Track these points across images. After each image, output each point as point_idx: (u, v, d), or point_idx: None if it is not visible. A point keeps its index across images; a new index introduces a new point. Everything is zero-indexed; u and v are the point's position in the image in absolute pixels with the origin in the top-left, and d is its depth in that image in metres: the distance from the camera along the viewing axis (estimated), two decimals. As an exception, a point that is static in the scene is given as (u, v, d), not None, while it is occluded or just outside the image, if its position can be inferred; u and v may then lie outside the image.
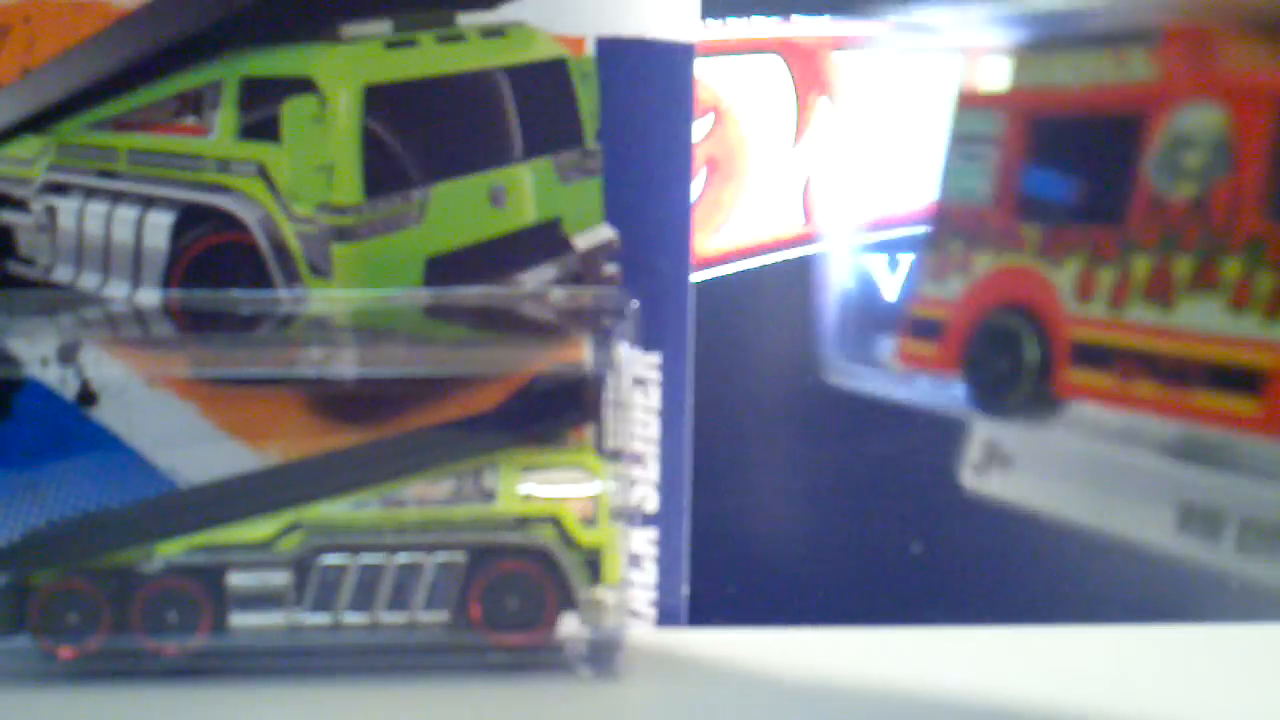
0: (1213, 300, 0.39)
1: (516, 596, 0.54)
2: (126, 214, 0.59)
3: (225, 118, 0.58)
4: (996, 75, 0.45)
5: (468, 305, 0.59)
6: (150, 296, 0.59)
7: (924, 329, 0.46)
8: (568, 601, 0.55)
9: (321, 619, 0.54)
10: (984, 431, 0.46)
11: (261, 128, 0.58)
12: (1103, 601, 0.64)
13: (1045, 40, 0.44)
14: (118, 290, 0.59)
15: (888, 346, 0.47)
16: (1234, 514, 0.40)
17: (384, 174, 0.58)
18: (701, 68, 0.61)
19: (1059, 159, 0.43)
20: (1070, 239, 0.43)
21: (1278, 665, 0.58)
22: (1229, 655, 0.58)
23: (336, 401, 0.58)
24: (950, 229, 0.46)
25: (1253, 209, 0.37)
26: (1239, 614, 0.62)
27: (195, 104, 0.58)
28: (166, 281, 0.59)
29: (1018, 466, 0.45)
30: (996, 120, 0.45)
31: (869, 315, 0.48)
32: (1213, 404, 0.38)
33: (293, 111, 0.57)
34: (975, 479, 0.45)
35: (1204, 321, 0.39)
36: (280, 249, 0.58)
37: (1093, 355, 0.42)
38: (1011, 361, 0.44)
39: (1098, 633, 0.60)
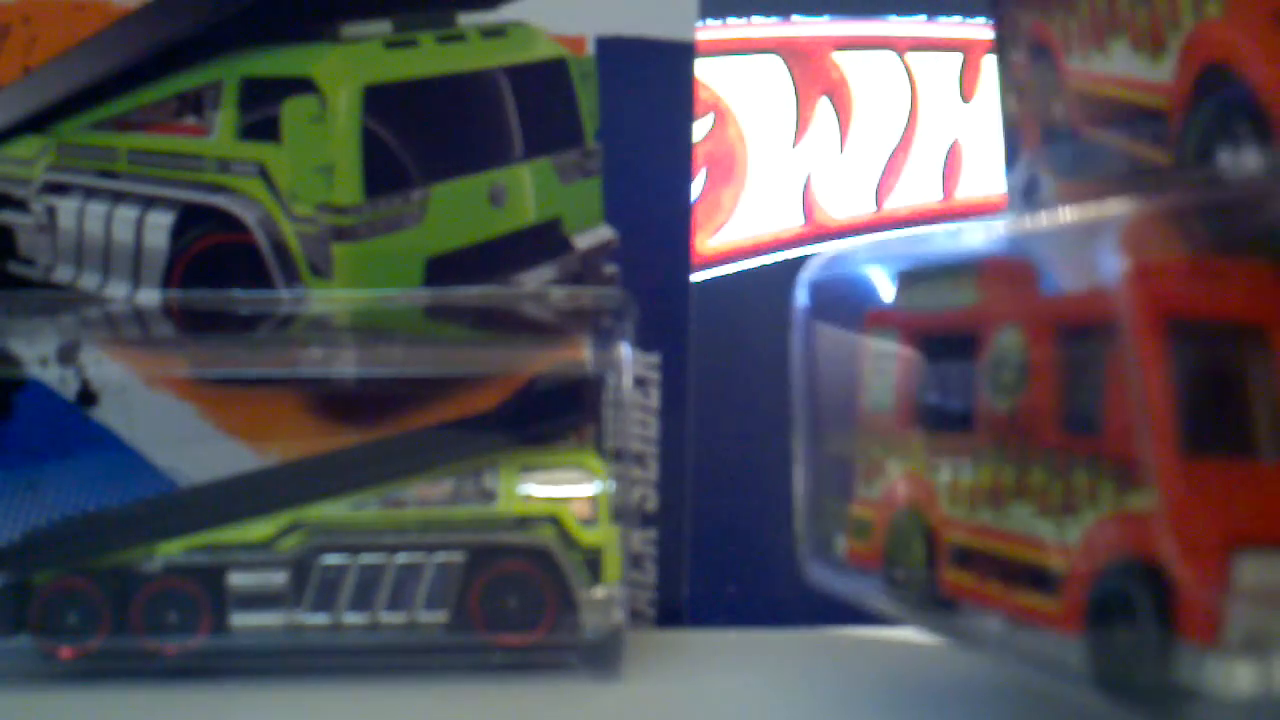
0: (1026, 506, 0.42)
1: (516, 596, 0.54)
2: (126, 214, 0.59)
3: (225, 118, 0.58)
4: (897, 299, 0.51)
5: (468, 305, 0.59)
6: (150, 296, 0.59)
7: (860, 529, 0.52)
8: (568, 601, 0.55)
9: (321, 619, 0.54)
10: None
11: (261, 128, 0.58)
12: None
13: (922, 269, 0.50)
14: (118, 290, 0.59)
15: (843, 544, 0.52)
16: None
17: (384, 174, 0.58)
18: (701, 68, 0.61)
19: (932, 373, 0.49)
20: (942, 446, 0.47)
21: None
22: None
23: (336, 401, 0.58)
24: (871, 436, 0.51)
25: (1048, 422, 0.41)
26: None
27: (195, 104, 0.58)
28: (166, 281, 0.59)
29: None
30: (894, 339, 0.51)
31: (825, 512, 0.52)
32: (1030, 603, 0.43)
33: (293, 111, 0.57)
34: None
35: (1022, 526, 0.43)
36: (280, 249, 0.58)
37: (961, 556, 0.47)
38: (906, 562, 0.48)
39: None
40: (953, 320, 0.47)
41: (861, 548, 0.52)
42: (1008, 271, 0.45)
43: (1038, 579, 0.42)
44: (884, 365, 0.51)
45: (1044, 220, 0.44)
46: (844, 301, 0.53)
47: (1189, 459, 0.35)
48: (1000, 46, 0.55)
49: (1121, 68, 0.46)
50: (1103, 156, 0.48)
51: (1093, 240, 0.37)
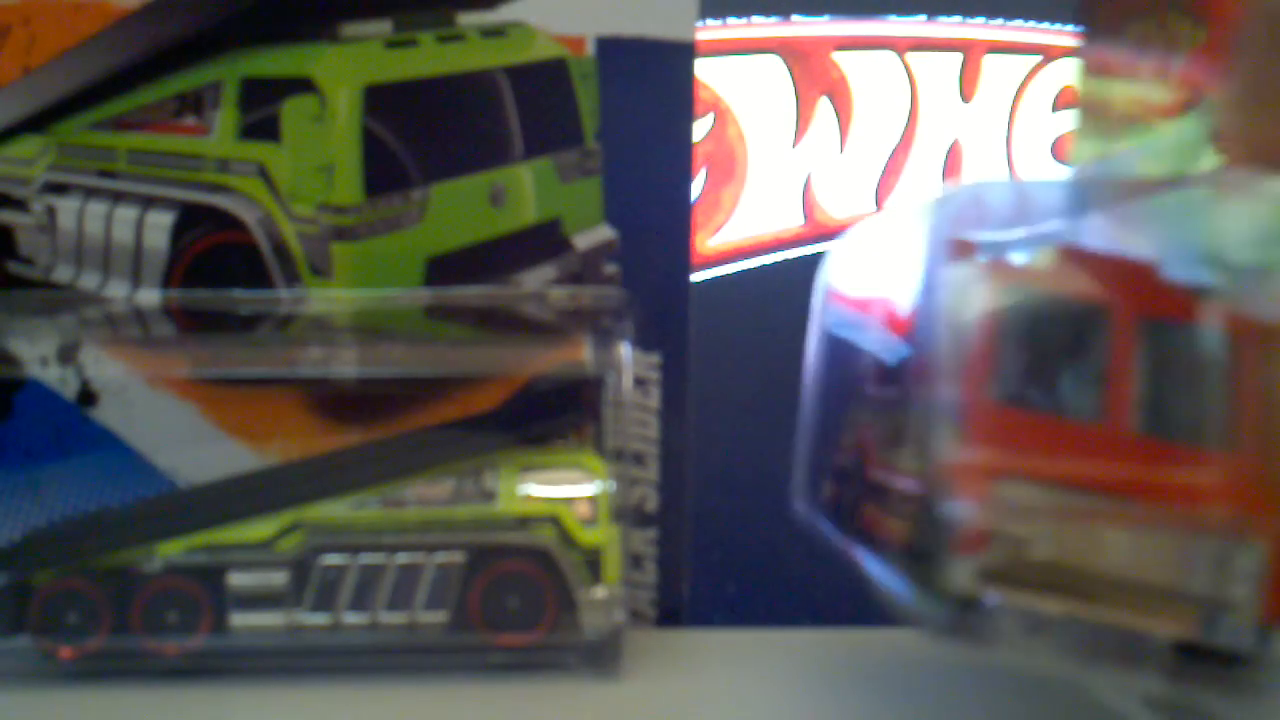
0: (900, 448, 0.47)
1: (516, 596, 0.54)
2: (126, 214, 0.59)
3: (225, 118, 0.58)
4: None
5: (468, 305, 0.59)
6: (150, 296, 0.59)
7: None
8: (568, 601, 0.55)
9: (321, 619, 0.54)
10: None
11: (261, 128, 0.58)
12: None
13: None
14: (118, 290, 0.59)
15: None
16: None
17: (384, 174, 0.58)
18: (701, 68, 0.61)
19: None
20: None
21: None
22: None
23: (336, 401, 0.58)
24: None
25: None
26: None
27: (195, 104, 0.58)
28: (166, 281, 0.59)
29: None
30: None
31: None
32: (890, 526, 0.47)
33: (293, 111, 0.57)
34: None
35: (897, 460, 0.47)
36: (280, 249, 0.58)
37: (871, 492, 0.49)
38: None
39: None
40: None
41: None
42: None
43: (894, 504, 0.46)
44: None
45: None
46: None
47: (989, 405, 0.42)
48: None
49: None
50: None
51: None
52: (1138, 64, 0.51)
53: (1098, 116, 0.54)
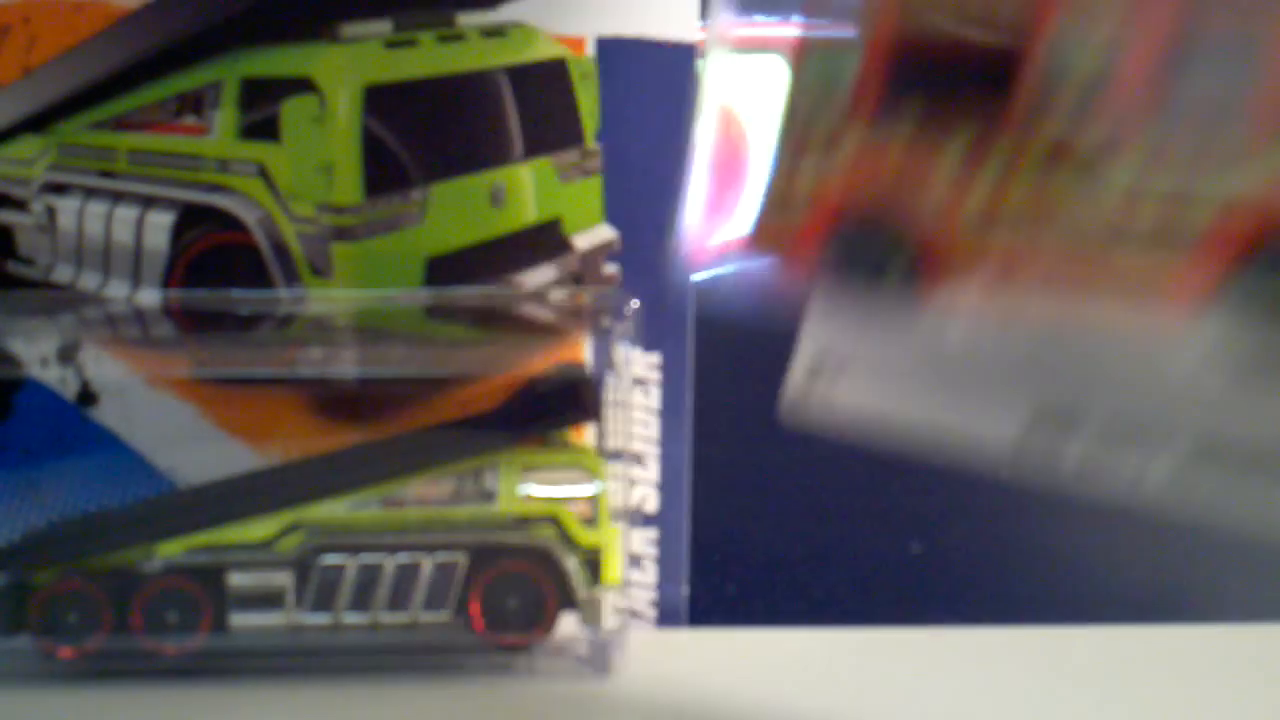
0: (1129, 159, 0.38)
1: (516, 596, 0.54)
2: (126, 214, 0.59)
3: (225, 118, 0.58)
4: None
5: (468, 305, 0.59)
6: (150, 296, 0.59)
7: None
8: (568, 601, 0.55)
9: (321, 619, 0.54)
10: (814, 340, 0.45)
11: (261, 128, 0.58)
12: (1103, 601, 0.64)
13: None
14: (118, 290, 0.59)
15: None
16: (1091, 414, 0.40)
17: (384, 174, 0.58)
18: (702, 68, 0.61)
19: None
20: (952, 113, 0.41)
21: (1277, 665, 0.58)
22: (1229, 655, 0.58)
23: (336, 401, 0.58)
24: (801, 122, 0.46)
25: None
26: (1240, 614, 0.62)
27: (195, 104, 0.58)
28: (166, 281, 0.59)
29: (851, 372, 0.44)
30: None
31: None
32: (1127, 264, 0.38)
33: (293, 111, 0.57)
34: (802, 391, 0.45)
35: (1119, 181, 0.38)
36: (280, 249, 0.58)
37: (979, 224, 0.41)
38: (877, 265, 0.43)
39: (1098, 633, 0.60)
40: None
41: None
42: None
43: (1145, 239, 0.38)
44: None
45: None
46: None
47: None
48: None
49: None
50: None
51: None
52: None
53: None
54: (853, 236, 0.42)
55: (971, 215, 0.39)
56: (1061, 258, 0.37)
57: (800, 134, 0.43)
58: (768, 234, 0.42)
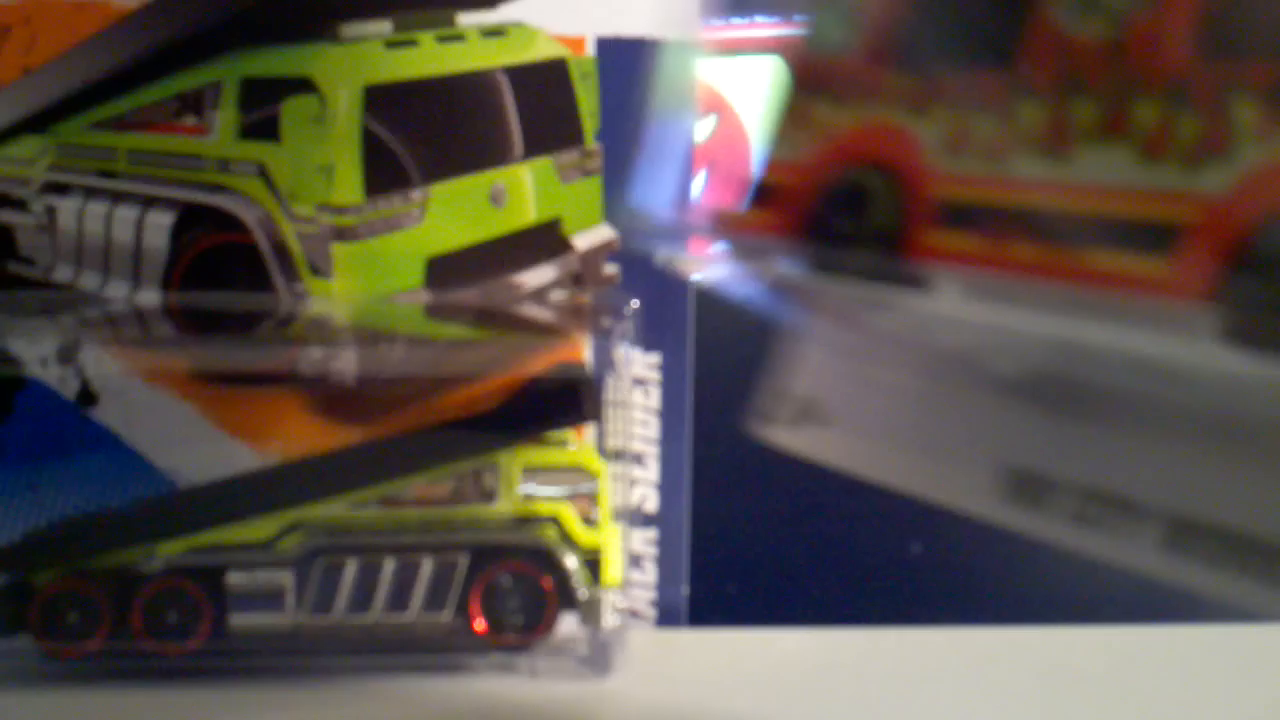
0: (1120, 149, 0.35)
1: (516, 596, 0.54)
2: (126, 214, 0.59)
3: (225, 118, 0.58)
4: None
5: (468, 305, 0.59)
6: (150, 296, 0.59)
7: (767, 195, 0.43)
8: (568, 601, 0.55)
9: (321, 619, 0.54)
10: (798, 381, 0.43)
11: (261, 128, 0.58)
12: (1101, 602, 0.63)
13: None
14: (118, 290, 0.59)
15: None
16: (1069, 480, 0.38)
17: (384, 174, 0.58)
18: (702, 68, 0.61)
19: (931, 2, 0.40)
20: (947, 88, 0.39)
21: (1278, 665, 0.58)
22: (1229, 655, 0.58)
23: (336, 401, 0.58)
24: (808, 85, 0.42)
25: (1180, 45, 0.35)
26: (1239, 614, 0.62)
27: (195, 104, 0.58)
28: (166, 281, 0.59)
29: (832, 420, 0.43)
30: None
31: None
32: (1110, 264, 0.35)
33: (293, 111, 0.57)
34: (785, 433, 0.43)
35: (1107, 173, 0.35)
36: (280, 249, 0.58)
37: (961, 215, 0.39)
38: (858, 221, 0.40)
39: (1098, 633, 0.60)
40: None
41: (767, 217, 0.43)
42: None
43: (1128, 235, 0.35)
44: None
45: None
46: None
47: None
48: None
49: None
50: None
51: None
52: None
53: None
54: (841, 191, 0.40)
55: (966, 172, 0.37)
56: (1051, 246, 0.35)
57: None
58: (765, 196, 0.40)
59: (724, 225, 0.44)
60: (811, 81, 0.42)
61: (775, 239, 0.42)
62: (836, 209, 0.41)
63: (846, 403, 0.41)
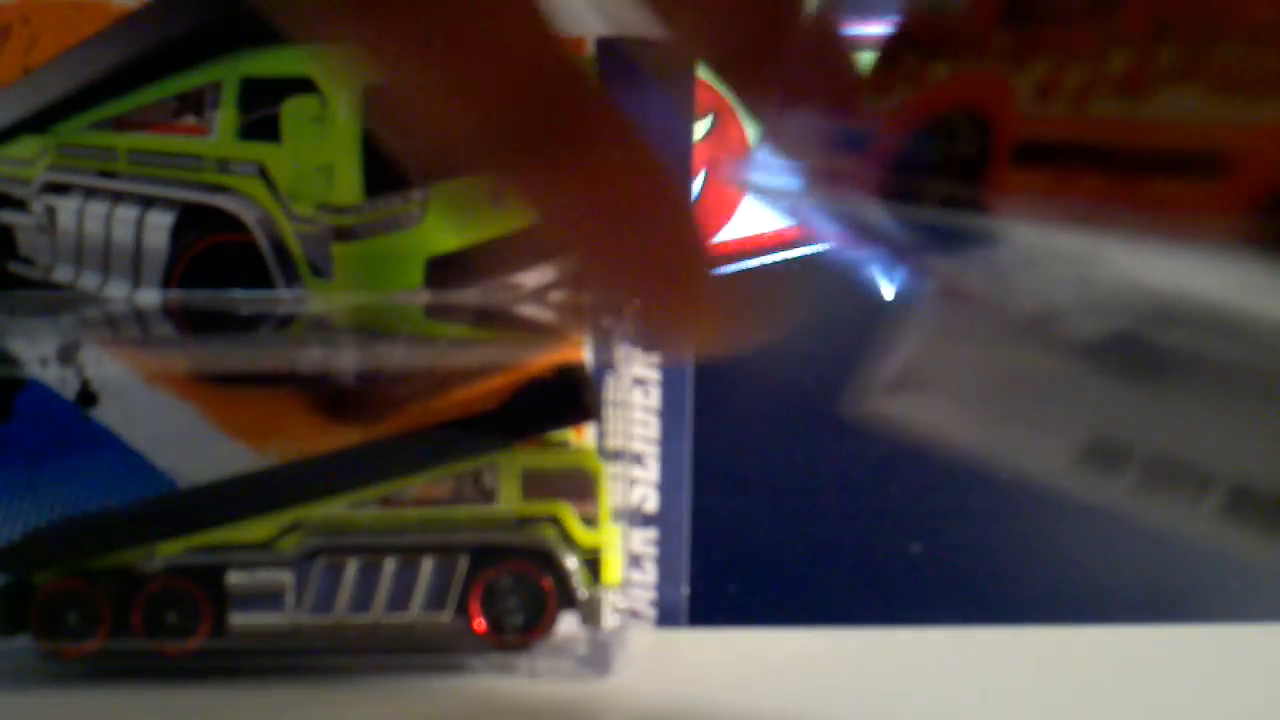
0: (1191, 88, 0.37)
1: (516, 596, 0.54)
2: (126, 214, 0.59)
3: (225, 118, 0.58)
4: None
5: (468, 305, 0.59)
6: (150, 296, 0.59)
7: (851, 141, 0.44)
8: (568, 601, 0.55)
9: (321, 619, 0.54)
10: (905, 350, 0.44)
11: (261, 128, 0.58)
12: (1102, 601, 0.63)
13: None
14: (118, 290, 0.59)
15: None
16: (1141, 447, 0.39)
17: (384, 174, 0.58)
18: (702, 68, 0.61)
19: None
20: (1047, 39, 0.39)
21: (1278, 665, 0.58)
22: (1229, 655, 0.58)
23: (336, 401, 0.58)
24: (908, 41, 0.43)
25: None
26: (1239, 614, 0.62)
27: (195, 104, 0.58)
28: (166, 281, 0.59)
29: (929, 389, 0.44)
30: None
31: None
32: (1166, 189, 0.37)
33: (293, 111, 0.57)
34: (883, 401, 0.44)
35: (1175, 110, 0.37)
36: (280, 249, 0.58)
37: (1038, 151, 0.40)
38: (942, 154, 0.42)
39: (1097, 633, 0.60)
40: None
41: (856, 161, 0.43)
42: None
43: (1185, 164, 0.35)
44: None
45: None
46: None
47: None
48: None
49: None
50: None
51: None
52: None
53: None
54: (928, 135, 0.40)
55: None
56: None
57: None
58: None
59: (811, 172, 0.45)
60: (924, 40, 0.43)
61: (861, 183, 0.43)
62: (923, 143, 0.42)
63: (940, 369, 0.42)
